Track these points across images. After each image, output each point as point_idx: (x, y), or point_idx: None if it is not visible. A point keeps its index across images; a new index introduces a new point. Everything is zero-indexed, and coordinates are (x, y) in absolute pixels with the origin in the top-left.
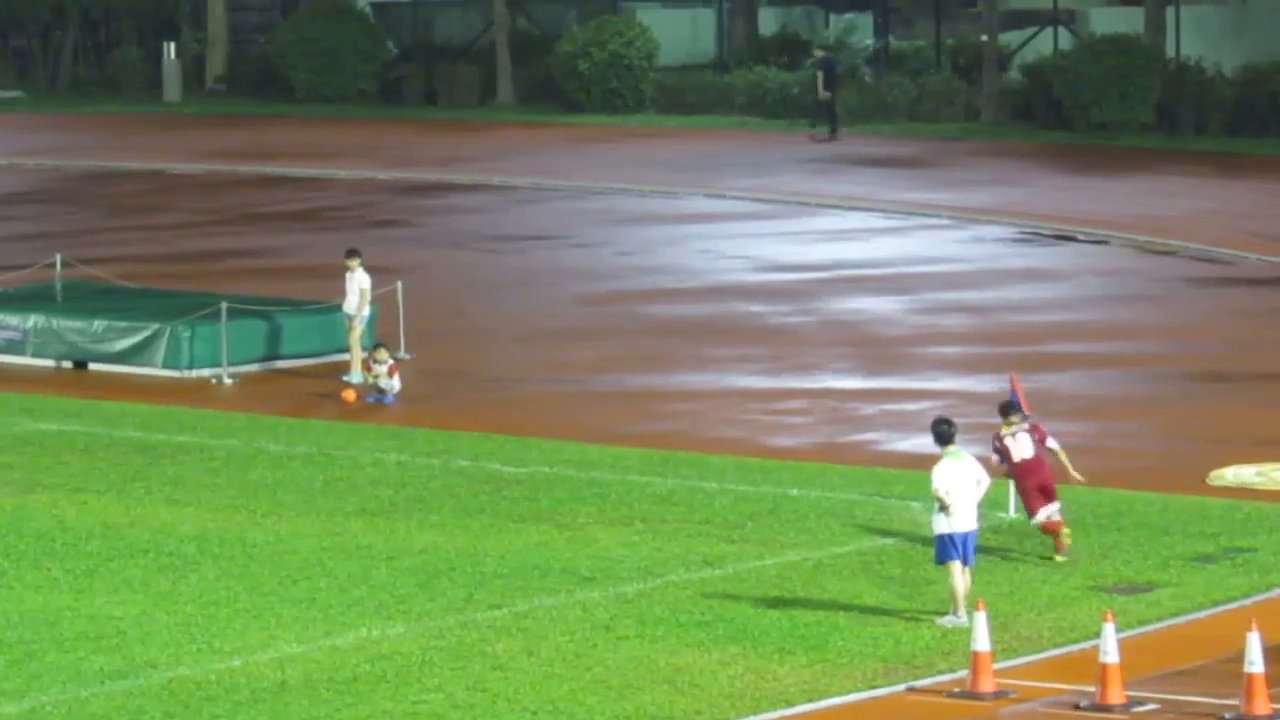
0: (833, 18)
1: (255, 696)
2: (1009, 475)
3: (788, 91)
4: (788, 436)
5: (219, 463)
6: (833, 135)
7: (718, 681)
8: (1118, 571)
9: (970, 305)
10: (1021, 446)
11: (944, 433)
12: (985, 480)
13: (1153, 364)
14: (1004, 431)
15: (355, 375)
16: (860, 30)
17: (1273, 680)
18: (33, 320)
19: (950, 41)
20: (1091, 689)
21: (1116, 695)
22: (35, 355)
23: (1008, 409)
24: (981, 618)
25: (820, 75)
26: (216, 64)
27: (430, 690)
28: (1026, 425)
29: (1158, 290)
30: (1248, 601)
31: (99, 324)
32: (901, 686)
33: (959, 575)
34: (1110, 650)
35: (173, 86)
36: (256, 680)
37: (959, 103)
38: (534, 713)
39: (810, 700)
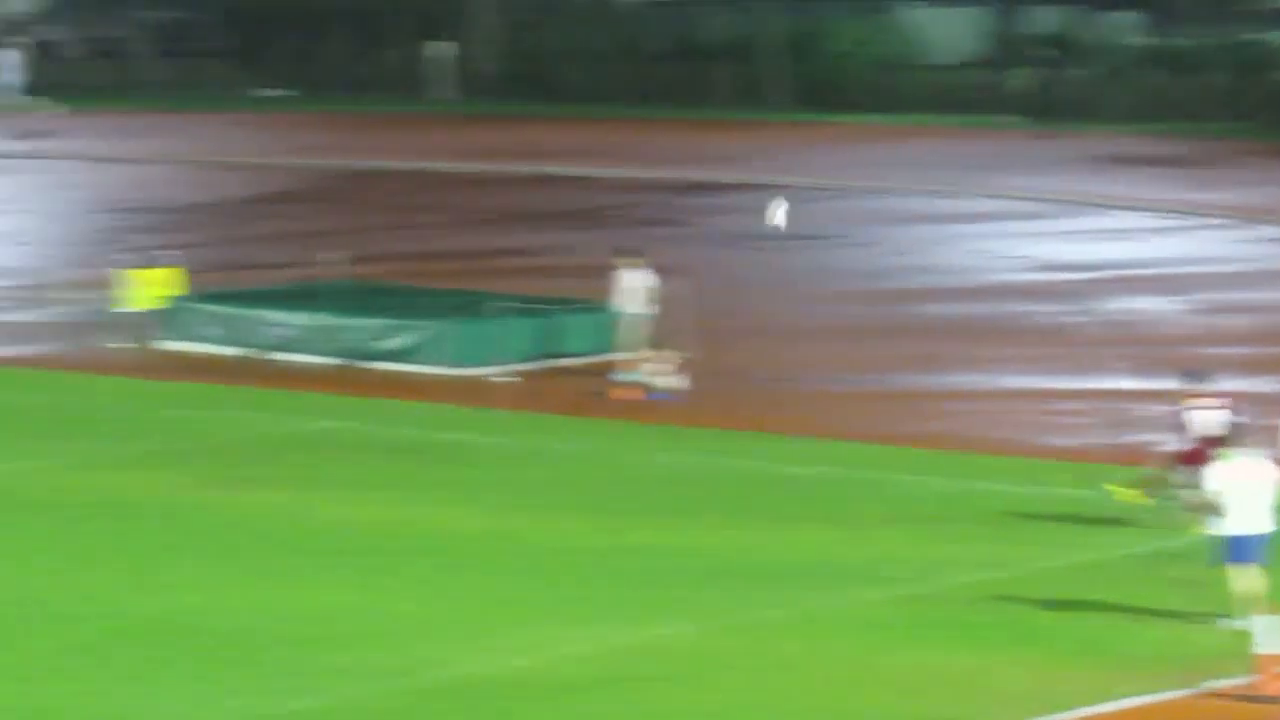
0: (1107, 16)
1: (539, 694)
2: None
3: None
4: (1067, 437)
5: (498, 461)
6: None
7: (1001, 684)
8: None
9: (1251, 305)
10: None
11: None
12: (1274, 480)
13: None
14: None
15: (636, 374)
16: (1135, 29)
17: None
18: (309, 319)
19: (1228, 40)
20: None
21: None
22: (311, 353)
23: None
24: (1270, 620)
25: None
26: (486, 63)
27: (714, 689)
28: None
29: None
30: None
31: (375, 322)
32: (1189, 690)
33: (1245, 577)
34: None
35: (443, 86)
36: (540, 678)
37: (1237, 102)
38: (817, 713)
39: (1095, 703)
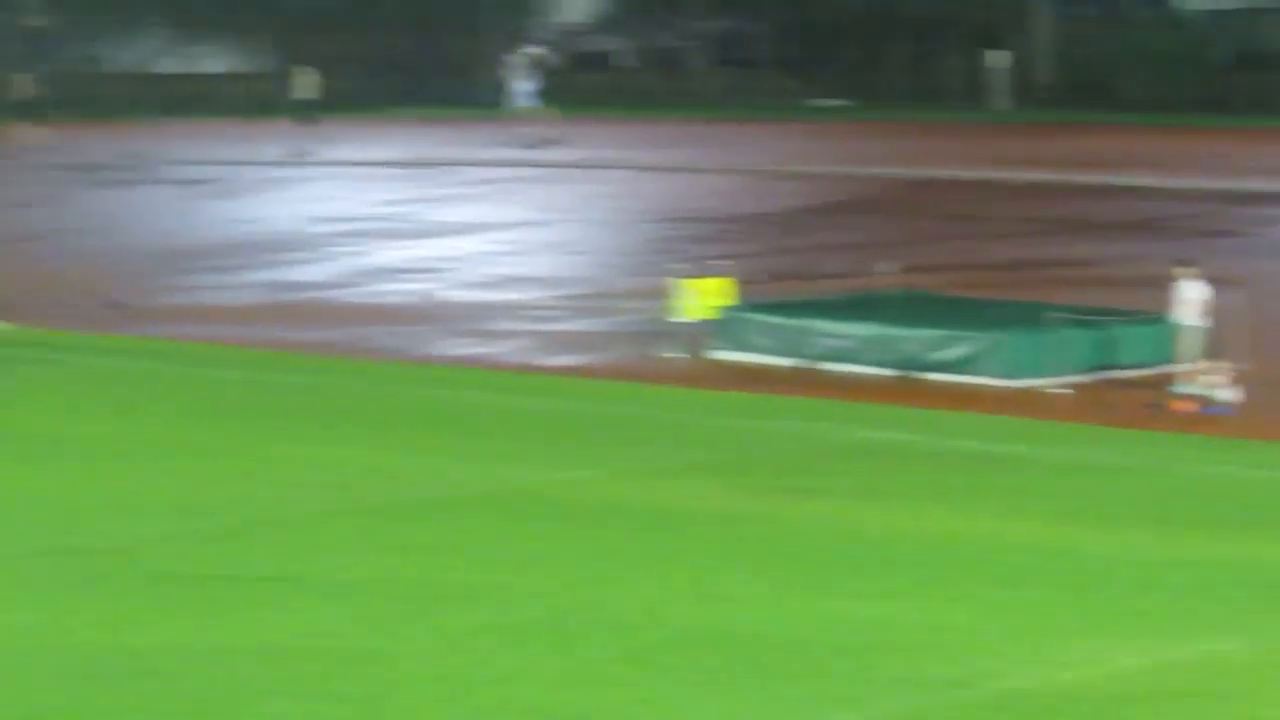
0: None
1: (1092, 708)
2: None
3: None
4: None
5: (1052, 473)
6: None
7: None
8: None
9: None
10: None
11: None
12: None
13: None
14: None
15: (1194, 386)
16: None
17: None
18: (863, 329)
19: None
20: None
21: None
22: (864, 364)
23: None
24: None
25: None
26: (1043, 72)
27: (1272, 706)
28: None
29: None
30: None
31: (930, 333)
32: None
33: None
34: None
35: (999, 95)
36: (1093, 691)
37: None
38: None
39: None
